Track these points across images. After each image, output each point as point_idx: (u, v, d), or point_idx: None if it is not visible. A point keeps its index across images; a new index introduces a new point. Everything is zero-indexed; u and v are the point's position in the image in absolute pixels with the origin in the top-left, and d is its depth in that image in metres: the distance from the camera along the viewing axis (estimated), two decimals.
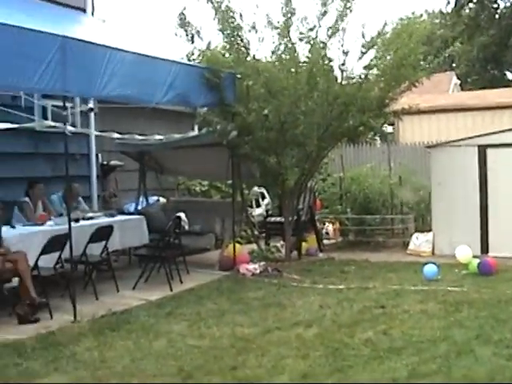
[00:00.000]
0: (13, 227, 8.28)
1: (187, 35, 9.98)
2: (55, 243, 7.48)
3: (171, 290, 8.64)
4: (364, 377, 5.18)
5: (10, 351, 5.96)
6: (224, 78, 9.61)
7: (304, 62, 10.21)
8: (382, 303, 7.64)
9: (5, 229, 7.89)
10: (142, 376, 5.27)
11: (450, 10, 39.21)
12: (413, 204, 13.15)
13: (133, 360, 5.70)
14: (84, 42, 7.14)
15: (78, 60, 6.96)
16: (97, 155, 11.89)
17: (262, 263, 9.96)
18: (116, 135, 9.31)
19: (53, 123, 7.70)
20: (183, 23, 9.93)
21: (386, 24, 10.52)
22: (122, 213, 10.87)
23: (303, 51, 10.27)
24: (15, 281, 7.23)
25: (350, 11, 10.13)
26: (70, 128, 7.29)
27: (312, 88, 10.00)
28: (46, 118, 9.67)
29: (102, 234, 8.56)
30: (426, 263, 9.44)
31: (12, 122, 7.22)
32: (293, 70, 9.95)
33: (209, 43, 10.14)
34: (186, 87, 8.93)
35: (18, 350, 5.99)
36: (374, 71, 10.52)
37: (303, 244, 11.55)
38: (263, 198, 14.76)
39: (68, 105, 7.96)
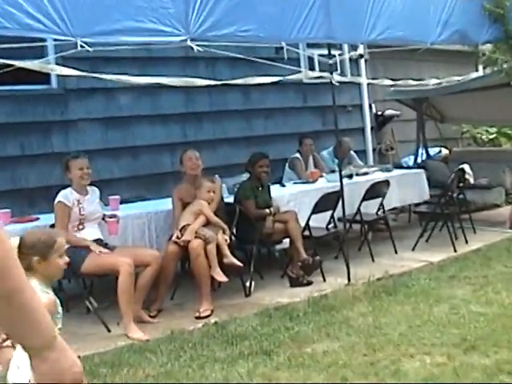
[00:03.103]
0: (283, 186, 8.26)
1: None
2: (327, 202, 7.26)
3: (455, 250, 8.03)
4: None
5: (281, 314, 5.89)
6: (510, 7, 8.52)
7: None
8: None
9: (275, 188, 7.84)
10: (420, 345, 4.84)
11: None
12: None
13: (410, 327, 5.31)
14: None
15: (341, 4, 6.58)
16: (370, 105, 11.65)
17: None
18: (388, 82, 8.82)
19: (318, 74, 7.46)
20: None
21: None
22: (400, 167, 10.45)
23: None
24: (286, 242, 7.15)
25: None
26: (337, 77, 6.90)
27: None
28: (312, 69, 9.43)
29: (378, 190, 8.20)
30: None
31: (278, 76, 7.05)
32: None
33: None
34: (464, 23, 8.09)
35: (290, 313, 5.89)
36: None
37: None
38: None
39: (336, 52, 7.65)
